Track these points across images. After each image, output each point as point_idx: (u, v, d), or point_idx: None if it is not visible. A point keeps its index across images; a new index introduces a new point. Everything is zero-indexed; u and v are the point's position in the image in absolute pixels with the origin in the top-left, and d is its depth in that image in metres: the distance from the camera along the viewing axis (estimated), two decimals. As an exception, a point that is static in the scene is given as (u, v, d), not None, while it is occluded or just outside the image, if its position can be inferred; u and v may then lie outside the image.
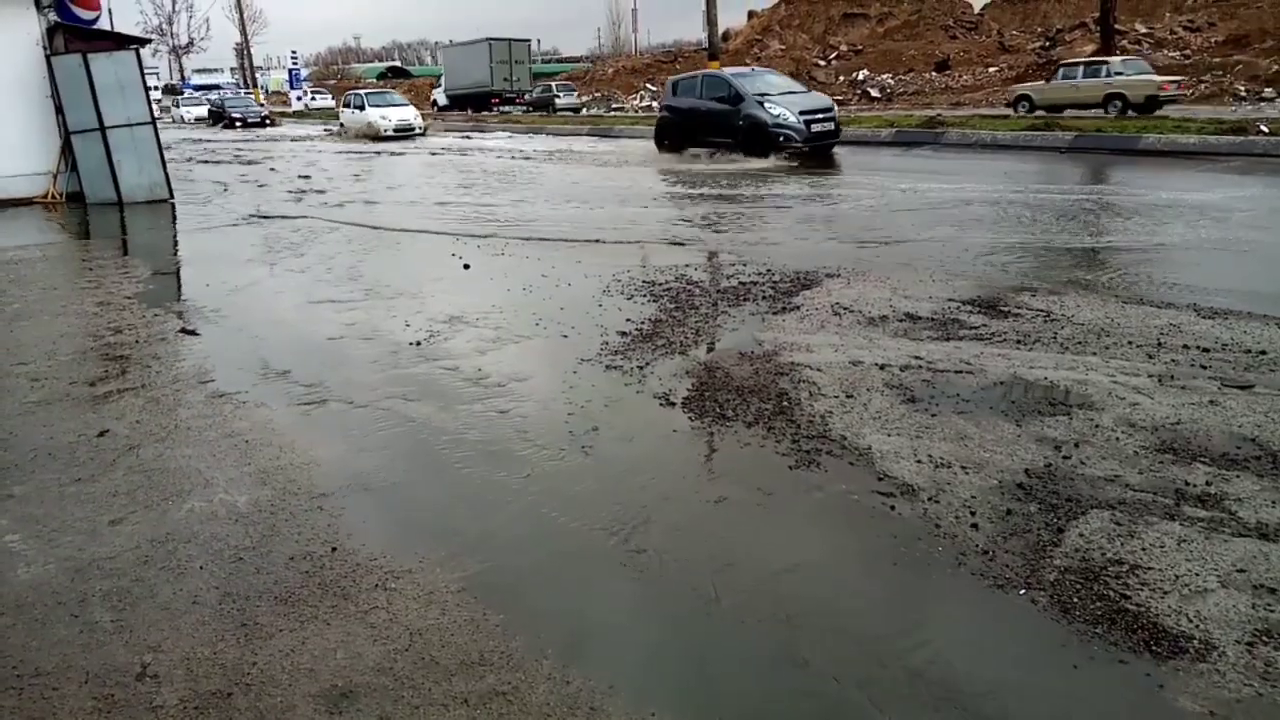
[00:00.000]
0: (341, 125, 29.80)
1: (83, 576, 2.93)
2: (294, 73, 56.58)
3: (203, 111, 45.88)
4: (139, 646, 2.55)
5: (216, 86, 63.52)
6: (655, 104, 31.48)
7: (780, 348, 4.93)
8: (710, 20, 25.98)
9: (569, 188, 13.31)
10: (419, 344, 5.32)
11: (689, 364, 4.74)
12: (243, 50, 59.25)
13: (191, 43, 71.90)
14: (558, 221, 9.92)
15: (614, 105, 38.88)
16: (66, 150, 13.18)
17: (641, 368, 4.70)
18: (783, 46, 47.35)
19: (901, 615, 2.60)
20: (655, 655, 2.47)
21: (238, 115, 37.97)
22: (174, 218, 11.66)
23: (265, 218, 11.21)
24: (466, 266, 7.55)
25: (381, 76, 67.77)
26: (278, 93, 61.91)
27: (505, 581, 2.83)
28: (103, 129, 12.85)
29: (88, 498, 3.49)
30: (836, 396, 4.16)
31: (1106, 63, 21.12)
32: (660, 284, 6.51)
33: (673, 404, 4.21)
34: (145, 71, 13.45)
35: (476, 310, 6.02)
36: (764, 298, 6.04)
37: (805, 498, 3.28)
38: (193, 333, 5.84)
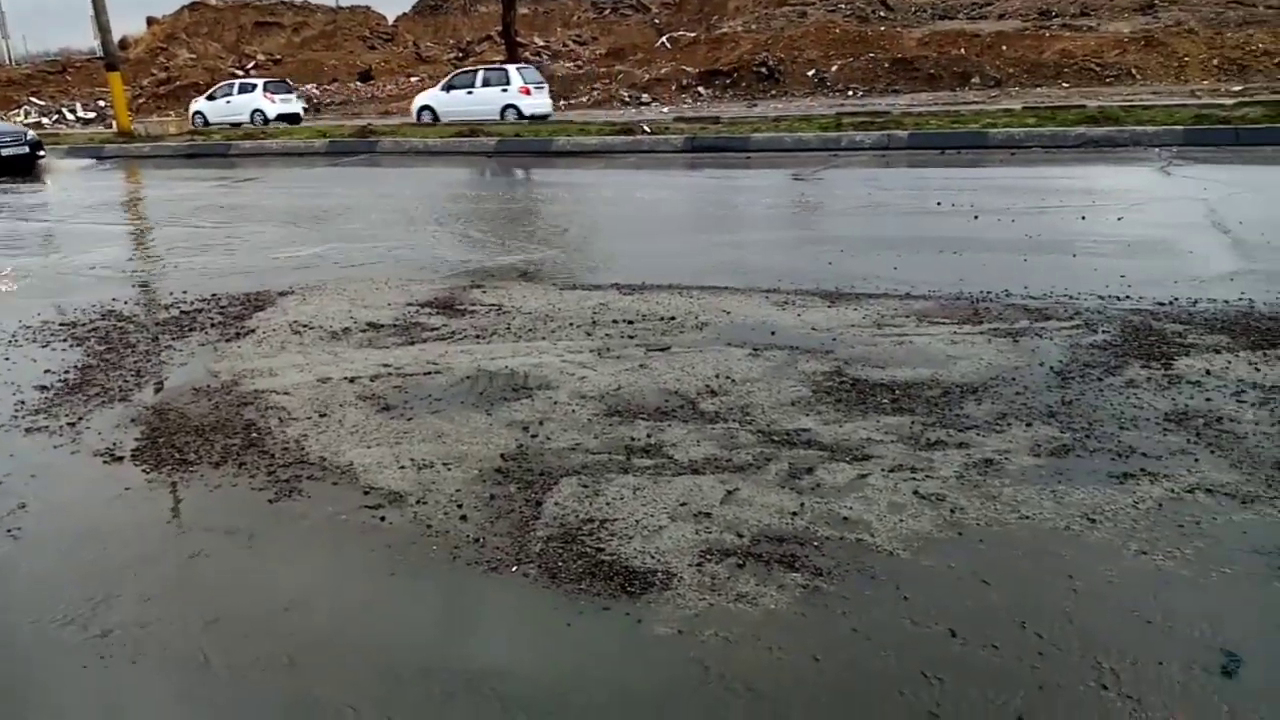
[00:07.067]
0: None
1: None
2: None
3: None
4: None
5: None
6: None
7: (240, 376, 4.60)
8: (102, 27, 23.07)
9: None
10: None
11: (134, 410, 4.21)
12: None
13: None
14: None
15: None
16: None
17: (74, 424, 4.07)
18: (193, 55, 44.03)
19: (408, 622, 2.60)
20: (142, 746, 2.17)
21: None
22: None
23: None
24: None
25: None
26: None
27: (-80, 719, 2.26)
28: None
29: None
30: (309, 418, 4.01)
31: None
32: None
33: (120, 459, 3.71)
34: None
35: None
36: (213, 325, 5.58)
37: (292, 529, 3.12)
38: None
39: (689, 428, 3.76)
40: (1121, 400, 3.84)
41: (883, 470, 3.30)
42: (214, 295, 6.34)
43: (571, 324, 5.27)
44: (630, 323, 5.25)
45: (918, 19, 36.35)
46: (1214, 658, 2.29)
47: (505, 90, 22.66)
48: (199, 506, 3.32)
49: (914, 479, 3.23)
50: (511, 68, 23.76)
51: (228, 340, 5.26)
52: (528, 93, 22.75)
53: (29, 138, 17.67)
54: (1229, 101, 16.66)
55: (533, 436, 3.72)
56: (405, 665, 2.40)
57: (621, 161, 14.46)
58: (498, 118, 21.70)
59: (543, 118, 22.38)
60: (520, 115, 21.80)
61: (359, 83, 36.67)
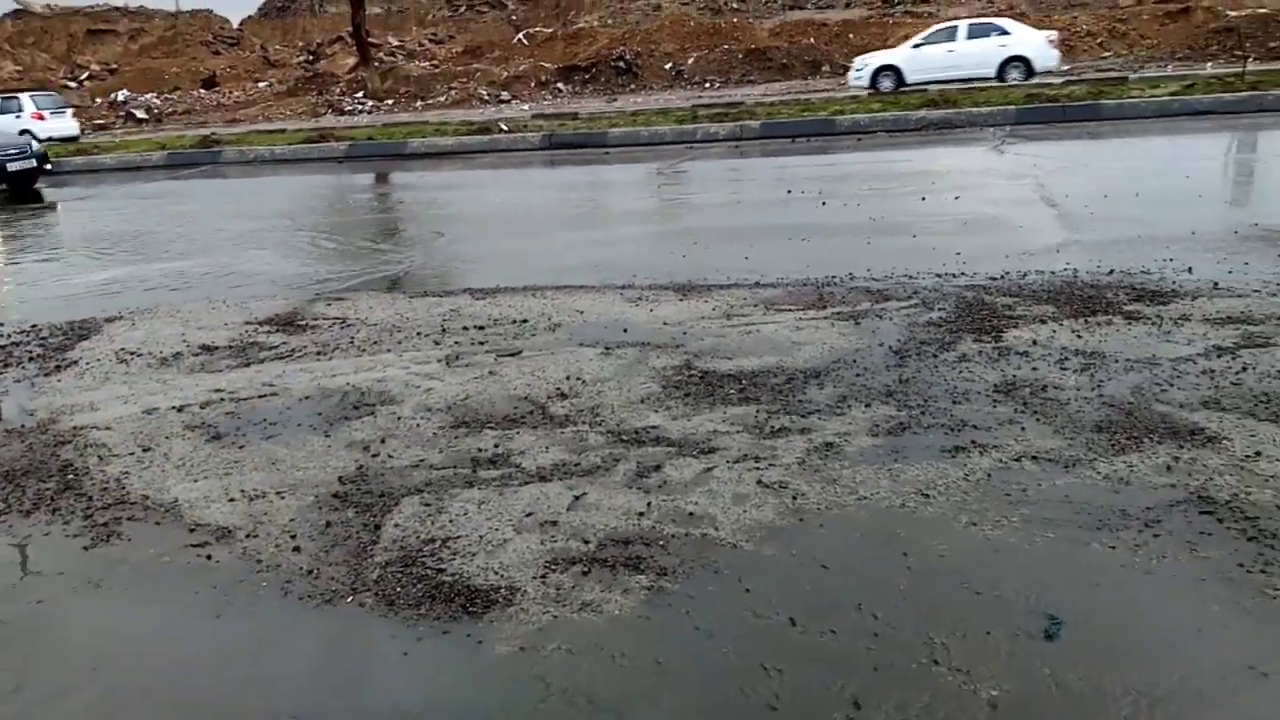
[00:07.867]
0: None
1: None
2: None
3: None
4: None
5: None
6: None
7: (58, 413, 4.28)
8: (-97, 38, 21.41)
9: None
10: None
11: (-67, 460, 3.86)
12: None
13: None
14: None
15: None
16: None
17: None
18: (19, 67, 41.24)
19: (233, 666, 2.44)
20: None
21: None
22: None
23: None
24: None
25: None
26: None
27: None
28: None
29: None
30: (132, 453, 3.76)
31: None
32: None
33: (-85, 515, 3.38)
34: None
35: None
36: (31, 359, 5.19)
37: (109, 577, 2.90)
38: None
39: (538, 434, 3.69)
40: (955, 375, 3.97)
41: (728, 462, 3.31)
42: (34, 326, 5.90)
43: (420, 333, 5.12)
44: (481, 328, 5.14)
45: (769, 10, 37.20)
46: (1038, 622, 2.38)
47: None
48: (5, 561, 3.06)
49: (758, 468, 3.25)
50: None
51: (46, 374, 4.90)
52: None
53: (35, 149, 15.40)
54: (1057, 81, 17.65)
55: (373, 456, 3.57)
56: (229, 714, 2.25)
57: (479, 162, 14.24)
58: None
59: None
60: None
61: (203, 90, 34.99)
